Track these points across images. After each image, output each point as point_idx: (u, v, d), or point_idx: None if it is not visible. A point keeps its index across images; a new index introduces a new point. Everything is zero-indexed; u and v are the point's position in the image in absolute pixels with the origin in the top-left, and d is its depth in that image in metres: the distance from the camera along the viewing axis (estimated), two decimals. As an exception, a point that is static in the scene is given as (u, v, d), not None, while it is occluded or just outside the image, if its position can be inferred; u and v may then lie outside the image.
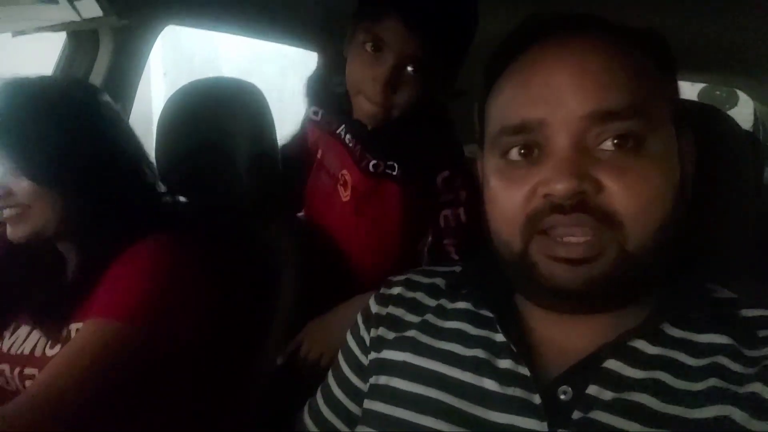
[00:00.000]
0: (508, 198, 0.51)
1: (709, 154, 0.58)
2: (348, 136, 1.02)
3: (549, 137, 0.49)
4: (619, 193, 0.46)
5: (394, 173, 0.97)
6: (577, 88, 0.48)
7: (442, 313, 0.61)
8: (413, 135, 0.94)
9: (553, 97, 0.49)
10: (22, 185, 0.81)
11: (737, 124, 0.66)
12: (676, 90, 0.55)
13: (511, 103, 0.52)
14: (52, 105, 0.83)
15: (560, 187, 0.46)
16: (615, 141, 0.47)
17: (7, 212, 0.82)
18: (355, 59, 0.89)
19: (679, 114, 0.52)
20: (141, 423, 0.79)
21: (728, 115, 0.67)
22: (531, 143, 0.50)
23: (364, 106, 0.91)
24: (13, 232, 0.83)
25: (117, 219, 0.86)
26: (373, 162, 0.98)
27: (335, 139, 1.05)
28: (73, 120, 0.84)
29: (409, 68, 0.85)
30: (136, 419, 0.78)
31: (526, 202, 0.49)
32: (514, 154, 0.51)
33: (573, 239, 0.47)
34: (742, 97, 2.22)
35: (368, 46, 0.86)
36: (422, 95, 0.89)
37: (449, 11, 0.84)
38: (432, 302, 0.62)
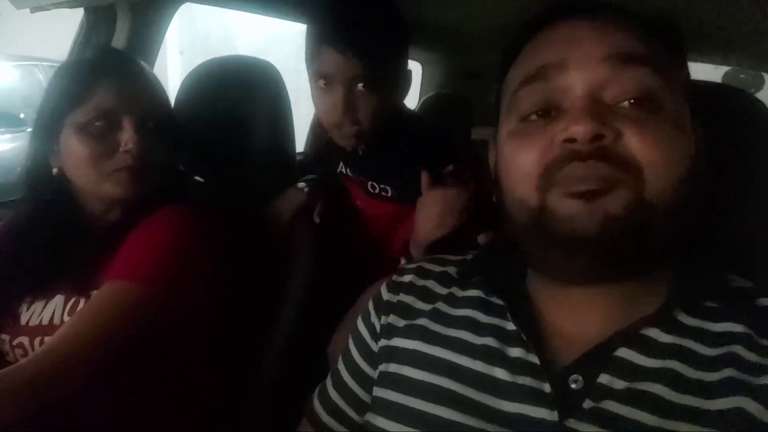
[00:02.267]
0: (524, 153, 0.50)
1: (736, 136, 0.57)
2: (347, 170, 1.10)
3: (565, 88, 0.49)
4: (638, 142, 0.46)
5: (389, 195, 1.05)
6: (597, 35, 0.49)
7: (452, 301, 0.60)
8: (398, 155, 1.00)
9: (573, 43, 0.49)
10: (156, 143, 0.87)
11: (765, 106, 0.64)
12: (687, 75, 0.55)
13: (532, 57, 0.53)
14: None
15: (579, 128, 0.45)
16: (633, 101, 0.47)
17: (136, 167, 0.85)
18: (317, 98, 0.96)
19: (690, 98, 0.52)
20: (148, 391, 0.81)
21: (756, 98, 0.66)
22: (548, 102, 0.50)
23: (339, 135, 0.97)
24: (132, 187, 0.85)
25: (163, 183, 0.90)
26: (371, 183, 1.05)
27: (344, 179, 1.14)
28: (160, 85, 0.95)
29: (360, 86, 0.91)
30: (144, 386, 0.80)
31: (543, 153, 0.48)
32: (533, 116, 0.51)
33: (591, 185, 0.46)
34: (768, 81, 2.17)
35: (321, 83, 0.93)
36: (384, 102, 0.95)
37: (373, 25, 0.91)
38: (443, 290, 0.62)
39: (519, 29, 0.56)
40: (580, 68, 0.48)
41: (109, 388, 0.75)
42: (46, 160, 0.87)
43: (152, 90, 0.90)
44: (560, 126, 0.47)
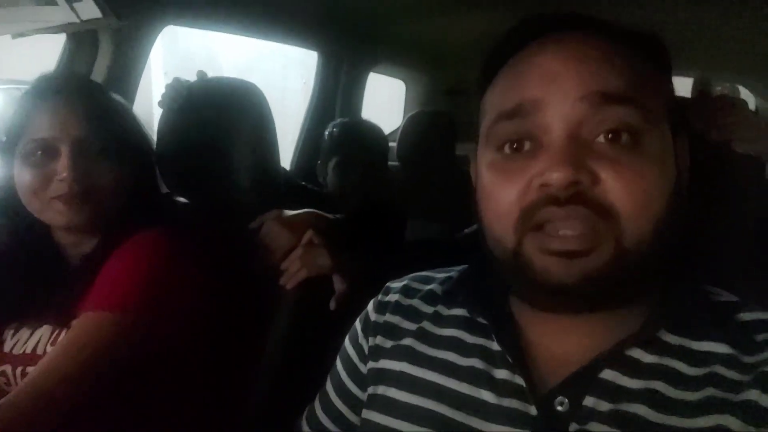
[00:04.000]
0: (502, 192, 0.49)
1: (709, 151, 0.57)
2: None
3: (544, 126, 0.48)
4: (616, 187, 0.45)
5: None
6: (575, 72, 0.48)
7: (438, 320, 0.60)
8: None
9: (551, 80, 0.48)
10: (100, 169, 0.84)
11: None
12: (671, 90, 0.54)
13: (509, 89, 0.51)
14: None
15: (556, 175, 0.45)
16: (610, 136, 0.47)
17: (76, 196, 0.82)
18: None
19: (675, 115, 0.52)
20: (135, 418, 0.80)
21: None
22: (524, 135, 0.49)
23: None
24: (73, 216, 0.83)
25: (134, 211, 0.88)
26: None
27: None
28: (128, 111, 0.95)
29: None
30: (130, 414, 0.79)
31: (521, 196, 0.48)
32: (507, 148, 0.50)
33: (568, 232, 0.45)
34: (744, 92, 2.22)
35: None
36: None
37: None
38: (429, 309, 0.61)
39: (493, 50, 0.55)
40: (558, 107, 0.47)
41: (95, 416, 0.73)
42: (14, 190, 0.86)
43: (98, 112, 0.86)
44: (538, 167, 0.47)
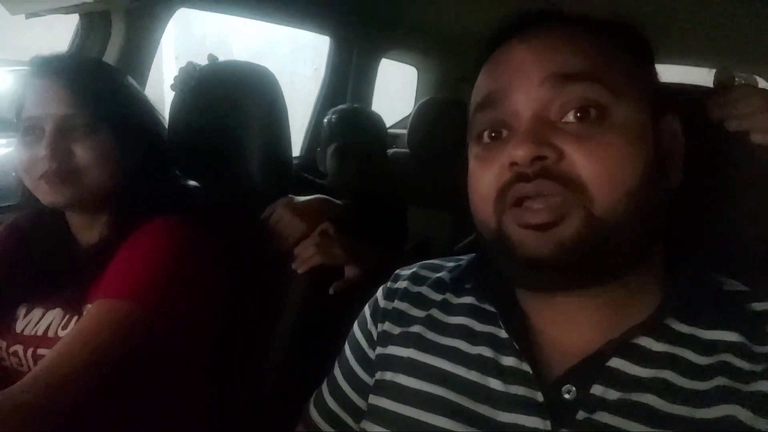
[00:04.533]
0: (482, 177, 0.52)
1: (726, 137, 0.57)
2: None
3: (513, 112, 0.50)
4: (581, 159, 0.47)
5: None
6: (536, 59, 0.50)
7: (447, 308, 0.60)
8: None
9: (514, 69, 0.51)
10: (85, 146, 0.83)
11: None
12: (652, 75, 0.55)
13: (481, 83, 0.55)
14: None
15: (521, 153, 0.47)
16: (578, 114, 0.48)
17: (58, 174, 0.82)
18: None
19: (658, 98, 0.52)
20: (145, 409, 0.80)
21: None
22: (499, 123, 0.52)
23: None
24: (55, 196, 0.83)
25: (143, 195, 0.88)
26: None
27: None
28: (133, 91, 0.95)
29: None
30: (140, 404, 0.80)
31: (497, 177, 0.50)
32: (486, 137, 0.53)
33: (539, 206, 0.47)
34: (762, 83, 2.19)
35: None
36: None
37: None
38: (437, 297, 0.62)
39: (479, 50, 0.58)
40: (522, 93, 0.50)
41: (106, 404, 0.74)
42: None
43: (88, 91, 0.85)
44: (508, 149, 0.49)
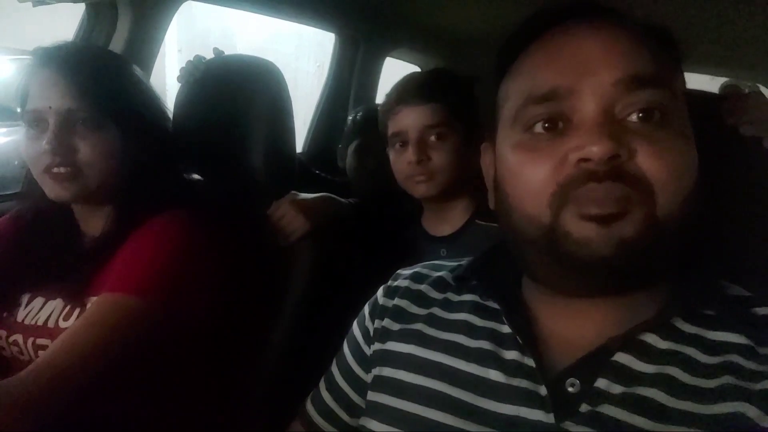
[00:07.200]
0: (534, 168, 0.49)
1: (731, 147, 0.57)
2: None
3: (577, 107, 0.48)
4: (651, 159, 0.46)
5: None
6: (607, 58, 0.48)
7: (448, 305, 0.60)
8: None
9: (583, 66, 0.49)
10: (89, 141, 0.82)
11: None
12: (683, 83, 0.55)
13: (539, 73, 0.52)
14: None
15: (596, 149, 0.45)
16: (641, 114, 0.47)
17: (62, 170, 0.81)
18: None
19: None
20: (147, 402, 0.80)
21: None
22: (556, 115, 0.49)
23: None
24: (59, 191, 0.83)
25: (149, 189, 0.88)
26: None
27: None
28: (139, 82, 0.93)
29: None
30: (142, 398, 0.79)
31: (556, 171, 0.48)
32: (539, 127, 0.50)
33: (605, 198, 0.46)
34: (765, 92, 2.19)
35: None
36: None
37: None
38: (438, 295, 0.62)
39: (513, 36, 0.56)
40: (592, 92, 0.48)
41: (108, 397, 0.74)
42: None
43: (92, 82, 0.83)
44: (573, 143, 0.47)
